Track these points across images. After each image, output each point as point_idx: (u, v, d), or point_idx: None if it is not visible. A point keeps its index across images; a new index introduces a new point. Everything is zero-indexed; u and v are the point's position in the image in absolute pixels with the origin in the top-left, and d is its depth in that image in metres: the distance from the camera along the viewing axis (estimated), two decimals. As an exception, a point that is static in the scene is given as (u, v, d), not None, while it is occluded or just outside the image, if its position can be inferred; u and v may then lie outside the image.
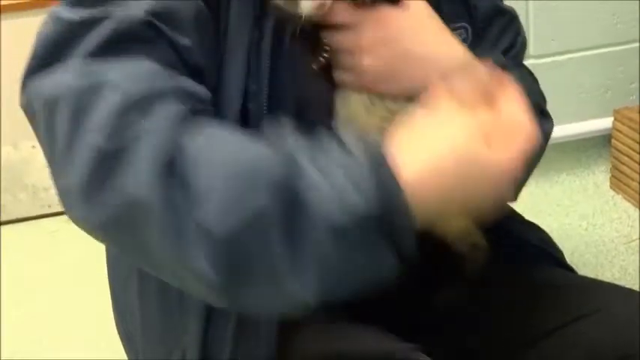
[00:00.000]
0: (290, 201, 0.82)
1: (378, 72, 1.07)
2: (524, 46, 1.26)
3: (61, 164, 0.93)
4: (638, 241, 2.54)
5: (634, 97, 2.93)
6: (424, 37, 1.09)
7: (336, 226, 0.81)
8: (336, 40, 1.07)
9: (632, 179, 2.72)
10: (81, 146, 0.89)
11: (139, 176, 0.86)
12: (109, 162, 0.88)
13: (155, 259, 0.91)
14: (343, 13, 1.04)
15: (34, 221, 3.08)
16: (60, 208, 3.01)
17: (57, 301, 2.53)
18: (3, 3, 2.89)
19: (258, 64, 1.04)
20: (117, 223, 0.89)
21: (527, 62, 2.81)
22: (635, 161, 2.69)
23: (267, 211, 0.82)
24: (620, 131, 2.77)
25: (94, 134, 0.89)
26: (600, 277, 1.97)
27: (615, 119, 2.80)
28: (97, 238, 0.97)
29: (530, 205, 2.81)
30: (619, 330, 1.11)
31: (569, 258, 2.43)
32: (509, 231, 1.31)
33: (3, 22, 2.89)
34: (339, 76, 1.09)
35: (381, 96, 1.08)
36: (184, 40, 0.97)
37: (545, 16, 2.77)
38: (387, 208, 0.81)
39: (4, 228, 3.03)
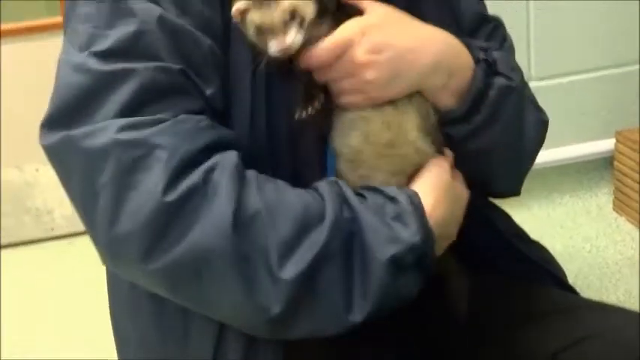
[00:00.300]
0: (350, 238, 0.98)
1: (383, 79, 1.09)
2: (512, 50, 1.28)
3: (106, 216, 0.97)
4: (642, 263, 2.54)
5: (636, 118, 2.93)
6: (406, 29, 1.13)
7: (390, 256, 0.98)
8: (331, 72, 1.09)
9: (635, 201, 2.72)
10: (136, 201, 0.95)
11: (207, 228, 0.94)
12: (173, 214, 0.95)
13: (215, 304, 1.00)
14: (323, 52, 1.07)
15: (37, 244, 3.08)
16: (63, 232, 3.04)
17: (60, 323, 2.53)
18: (3, 28, 2.91)
19: (255, 88, 1.08)
20: (182, 271, 0.96)
21: (529, 84, 2.83)
22: (637, 183, 2.69)
23: (330, 249, 0.96)
24: (622, 153, 2.78)
25: (153, 191, 0.94)
26: (605, 300, 1.96)
27: (617, 141, 2.80)
28: (155, 288, 1.03)
29: (533, 227, 2.79)
30: (622, 353, 1.10)
31: (573, 280, 2.43)
32: (510, 247, 1.32)
33: (3, 47, 2.91)
34: (345, 101, 1.11)
35: (395, 104, 1.11)
36: (209, 90, 1.03)
37: (547, 39, 2.79)
38: (426, 240, 1.01)
39: (7, 251, 3.04)
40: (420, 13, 1.17)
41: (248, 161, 1.02)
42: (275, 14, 1.01)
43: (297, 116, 1.08)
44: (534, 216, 2.87)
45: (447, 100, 1.14)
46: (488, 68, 1.17)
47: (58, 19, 2.91)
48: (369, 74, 1.08)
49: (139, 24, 1.00)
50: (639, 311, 1.20)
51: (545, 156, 2.89)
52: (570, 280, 2.44)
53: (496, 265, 1.30)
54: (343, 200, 1.01)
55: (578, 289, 1.37)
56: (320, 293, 0.97)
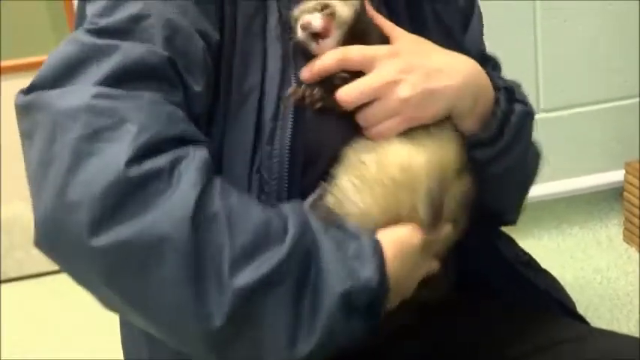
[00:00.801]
0: (307, 263, 0.94)
1: (418, 97, 1.08)
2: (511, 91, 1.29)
3: (58, 181, 0.91)
4: (653, 294, 2.53)
5: (645, 149, 2.95)
6: (434, 53, 1.14)
7: (344, 290, 0.94)
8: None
9: (645, 232, 2.72)
10: (95, 168, 0.90)
11: (166, 213, 0.89)
12: (131, 191, 0.89)
13: (154, 301, 0.92)
14: (365, 90, 1.08)
15: (47, 277, 3.09)
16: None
17: (71, 354, 2.52)
18: (3, 65, 2.96)
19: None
20: (127, 255, 0.89)
21: (538, 116, 2.84)
22: (647, 214, 2.69)
23: (285, 269, 0.92)
24: (631, 184, 2.78)
25: (115, 162, 0.90)
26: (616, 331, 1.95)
27: (626, 172, 2.81)
28: (90, 275, 0.94)
29: (543, 257, 2.78)
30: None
31: (584, 312, 2.42)
32: (517, 275, 1.32)
33: (3, 83, 2.95)
34: (382, 129, 1.10)
35: (427, 129, 1.11)
36: (193, 88, 1.02)
37: (555, 71, 2.80)
38: (381, 284, 0.97)
39: (20, 284, 3.05)
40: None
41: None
42: (310, 4, 1.08)
43: (288, 91, 1.08)
44: (544, 247, 2.87)
45: (473, 125, 1.14)
46: (508, 95, 1.18)
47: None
48: (403, 91, 1.08)
49: (140, 9, 1.01)
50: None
51: (555, 187, 2.90)
52: (581, 312, 2.43)
53: (503, 293, 1.30)
54: (307, 228, 0.97)
55: (589, 321, 1.37)
56: (266, 314, 0.91)
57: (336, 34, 1.08)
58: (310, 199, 1.08)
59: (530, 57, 2.77)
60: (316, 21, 1.06)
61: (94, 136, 0.91)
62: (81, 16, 1.08)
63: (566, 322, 1.28)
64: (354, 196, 1.07)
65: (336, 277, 0.94)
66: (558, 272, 2.66)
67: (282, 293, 0.92)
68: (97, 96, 0.94)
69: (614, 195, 2.95)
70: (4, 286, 3.05)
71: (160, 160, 0.92)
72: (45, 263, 3.23)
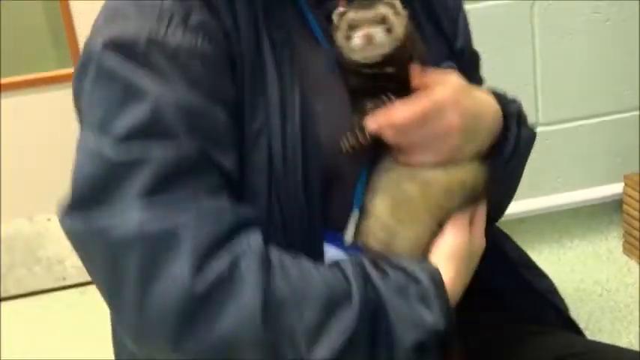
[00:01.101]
0: (376, 319, 0.97)
1: (462, 141, 1.10)
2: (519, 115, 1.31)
3: (131, 309, 0.96)
4: (653, 306, 2.54)
5: (644, 162, 2.96)
6: (472, 94, 1.15)
7: (415, 341, 0.97)
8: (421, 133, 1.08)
9: (645, 244, 2.73)
10: (162, 293, 0.93)
11: (236, 318, 0.93)
12: (201, 304, 0.93)
13: None
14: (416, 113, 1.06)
15: (48, 294, 3.09)
16: (75, 281, 3.05)
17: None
18: (3, 82, 2.97)
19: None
20: (209, 357, 0.95)
21: (537, 130, 2.85)
22: (647, 226, 2.70)
23: (358, 333, 0.95)
24: (630, 196, 2.79)
25: (180, 283, 0.93)
26: (617, 344, 1.95)
27: (626, 184, 2.82)
28: None
29: (545, 271, 2.80)
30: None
31: (585, 324, 2.44)
32: (520, 279, 1.34)
33: (3, 100, 2.97)
34: (417, 159, 1.10)
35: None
36: (228, 164, 1.01)
37: (554, 84, 2.82)
38: (449, 323, 1.00)
39: (20, 301, 3.05)
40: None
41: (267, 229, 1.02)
42: (369, 14, 1.07)
43: (343, 145, 1.08)
44: (545, 260, 2.88)
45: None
46: (518, 120, 1.21)
47: (62, 71, 2.99)
48: (457, 137, 1.09)
49: (152, 104, 0.97)
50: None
51: (555, 200, 2.92)
52: (582, 324, 2.44)
53: (502, 294, 1.31)
54: (367, 281, 0.99)
55: (590, 333, 1.38)
56: None
57: (387, 49, 1.08)
58: (349, 233, 1.11)
59: (529, 71, 2.79)
60: (380, 35, 1.06)
61: (154, 262, 0.94)
62: (77, 92, 1.06)
63: (567, 336, 1.30)
64: (404, 231, 1.09)
65: (405, 328, 0.97)
66: (559, 285, 2.67)
67: (359, 355, 0.96)
68: (142, 216, 0.94)
69: (613, 207, 2.97)
70: (4, 303, 3.05)
71: (221, 265, 0.94)
72: (46, 280, 3.25)
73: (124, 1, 1.04)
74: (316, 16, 1.13)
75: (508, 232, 1.39)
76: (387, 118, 1.05)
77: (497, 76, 2.76)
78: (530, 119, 2.86)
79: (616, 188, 2.90)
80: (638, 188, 2.75)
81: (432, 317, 0.98)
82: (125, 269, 0.95)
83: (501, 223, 1.33)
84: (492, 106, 1.16)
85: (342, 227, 1.11)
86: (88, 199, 0.97)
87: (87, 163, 0.99)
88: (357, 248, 1.10)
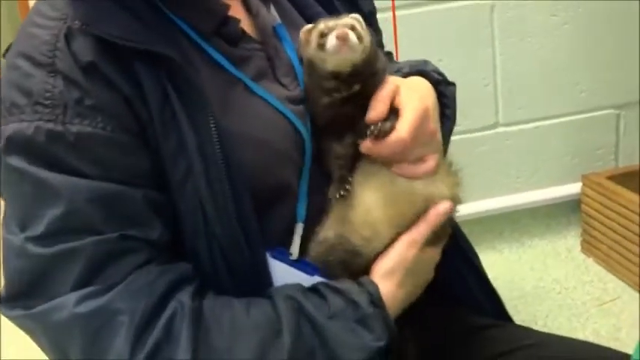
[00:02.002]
0: (312, 353, 1.00)
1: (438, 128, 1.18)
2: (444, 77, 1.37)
3: None
4: (609, 303, 2.58)
5: (601, 162, 3.01)
6: (424, 88, 1.22)
7: None
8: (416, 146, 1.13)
9: (603, 243, 2.78)
10: None
11: None
12: None
13: None
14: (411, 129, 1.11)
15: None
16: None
17: None
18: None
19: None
20: None
21: (496, 130, 2.91)
22: (604, 225, 2.75)
23: None
24: (588, 196, 2.84)
25: (120, 354, 0.95)
26: (574, 340, 1.99)
27: (584, 184, 2.87)
28: None
29: (504, 269, 2.85)
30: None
31: (544, 321, 2.48)
32: (483, 282, 1.39)
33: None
34: (424, 169, 1.15)
35: None
36: (154, 236, 1.02)
37: (513, 86, 2.86)
38: (390, 337, 1.03)
39: None
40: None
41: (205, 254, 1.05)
42: (340, 21, 1.13)
43: (331, 195, 1.13)
44: (505, 259, 2.92)
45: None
46: (446, 84, 1.28)
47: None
48: (439, 136, 1.18)
49: (67, 204, 0.97)
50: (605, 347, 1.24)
51: (515, 200, 2.95)
52: (540, 321, 2.49)
53: (452, 286, 1.35)
54: (301, 315, 1.02)
55: (547, 330, 1.42)
56: None
57: (358, 55, 1.13)
58: (295, 247, 1.13)
59: (489, 73, 2.83)
60: (353, 37, 1.11)
61: (95, 339, 0.96)
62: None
63: (519, 329, 1.35)
64: (385, 233, 1.13)
65: (347, 352, 1.01)
66: (519, 283, 2.73)
67: None
68: (78, 302, 0.96)
69: (572, 207, 3.01)
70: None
71: (157, 332, 0.96)
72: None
73: (14, 91, 1.01)
74: (215, 44, 1.12)
75: (468, 232, 1.41)
76: (395, 140, 1.10)
77: (457, 77, 2.78)
78: (491, 120, 2.91)
79: (574, 188, 2.95)
80: (595, 188, 2.80)
81: (372, 337, 1.02)
82: (69, 350, 0.97)
83: (461, 223, 1.35)
84: (428, 86, 1.22)
85: (288, 240, 1.13)
86: (23, 291, 0.99)
87: (14, 258, 1.00)
88: (306, 263, 1.13)
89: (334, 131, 1.14)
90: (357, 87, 1.12)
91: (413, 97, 1.14)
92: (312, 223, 1.15)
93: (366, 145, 1.11)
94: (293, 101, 1.16)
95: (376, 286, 1.07)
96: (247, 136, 1.08)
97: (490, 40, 2.80)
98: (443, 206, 1.14)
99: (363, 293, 1.06)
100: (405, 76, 1.24)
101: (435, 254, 1.19)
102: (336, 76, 1.13)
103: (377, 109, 1.11)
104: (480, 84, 2.82)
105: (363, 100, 1.12)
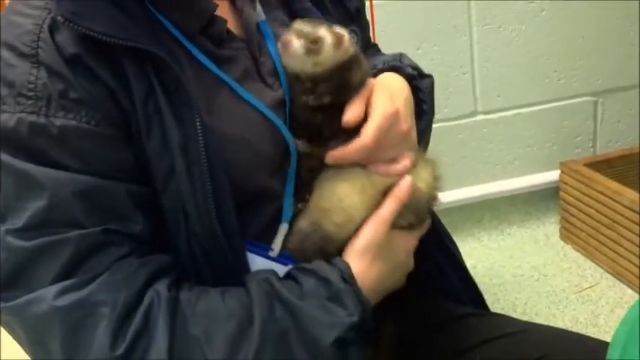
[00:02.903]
0: (284, 337, 0.99)
1: (410, 127, 1.17)
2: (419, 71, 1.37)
3: None
4: (588, 290, 2.60)
5: (579, 150, 3.03)
6: (399, 88, 1.21)
7: (333, 340, 0.99)
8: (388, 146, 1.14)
9: (581, 230, 2.79)
10: (89, 358, 0.95)
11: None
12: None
13: None
14: (379, 129, 1.11)
15: None
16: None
17: None
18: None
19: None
20: None
21: (474, 118, 2.92)
22: (583, 212, 2.77)
23: (264, 354, 0.98)
24: (567, 183, 2.85)
25: (103, 349, 0.94)
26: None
27: (562, 172, 2.88)
28: None
29: (483, 257, 2.86)
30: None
31: (523, 308, 2.49)
32: (464, 274, 1.40)
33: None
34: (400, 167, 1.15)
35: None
36: (136, 229, 1.02)
37: (491, 74, 2.87)
38: (363, 313, 1.03)
39: None
40: (327, 13, 1.28)
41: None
42: (304, 28, 1.13)
43: (300, 207, 1.14)
44: (485, 246, 2.93)
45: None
46: (419, 77, 1.28)
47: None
48: (409, 137, 1.16)
49: (50, 196, 0.96)
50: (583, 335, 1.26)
51: (494, 187, 2.97)
52: (519, 309, 2.50)
53: (431, 274, 1.36)
54: (274, 298, 1.02)
55: (527, 317, 1.43)
56: None
57: (299, 65, 1.13)
58: (277, 246, 1.13)
59: (466, 61, 2.83)
60: (296, 47, 1.11)
61: (75, 331, 0.95)
62: None
63: (499, 317, 1.36)
64: (359, 218, 1.13)
65: (321, 329, 1.00)
66: (498, 271, 2.74)
67: None
68: (58, 295, 0.95)
69: (550, 194, 3.03)
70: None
71: (136, 322, 0.96)
72: None
73: None
74: (200, 43, 1.11)
75: (447, 220, 1.41)
76: (358, 147, 1.10)
77: (435, 65, 2.81)
78: (469, 108, 2.92)
79: (553, 175, 2.97)
80: (574, 175, 2.81)
81: (345, 313, 1.01)
82: (49, 342, 0.96)
83: (440, 212, 1.35)
84: (403, 84, 1.21)
85: (270, 238, 1.13)
86: (3, 285, 0.98)
87: None
88: (285, 257, 1.13)
89: (308, 135, 1.14)
90: (326, 99, 1.12)
91: (383, 98, 1.13)
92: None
93: (331, 156, 1.11)
94: (277, 102, 1.15)
95: (346, 263, 1.07)
96: (231, 137, 1.07)
97: (467, 28, 2.79)
98: (404, 181, 1.14)
99: (334, 270, 1.05)
100: (379, 72, 1.23)
101: (410, 239, 1.18)
102: (295, 77, 1.13)
103: (353, 110, 1.11)
104: (458, 72, 2.82)
105: (336, 111, 1.11)
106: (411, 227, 1.17)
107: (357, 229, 1.12)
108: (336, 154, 1.10)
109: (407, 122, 1.15)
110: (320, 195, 1.14)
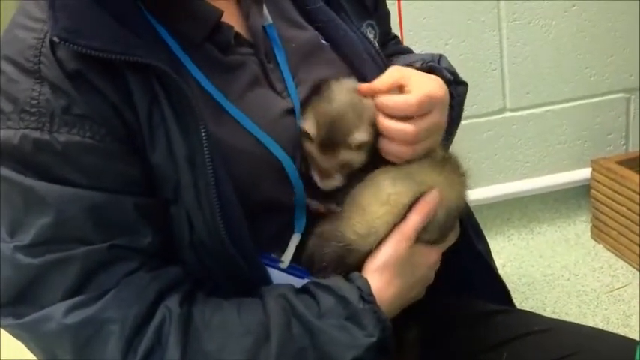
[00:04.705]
0: (301, 355, 0.99)
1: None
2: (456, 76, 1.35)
3: None
4: (619, 290, 2.56)
5: (611, 147, 2.98)
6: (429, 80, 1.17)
7: (355, 359, 0.99)
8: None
9: (612, 228, 2.75)
10: None
11: None
12: None
13: None
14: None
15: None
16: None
17: None
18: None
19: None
20: None
21: (503, 115, 2.89)
22: (614, 211, 2.72)
23: None
24: (598, 181, 2.81)
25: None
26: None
27: (593, 170, 2.84)
28: None
29: (513, 256, 2.83)
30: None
31: (552, 308, 2.46)
32: (489, 270, 1.39)
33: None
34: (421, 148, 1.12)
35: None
36: (144, 242, 1.01)
37: (520, 70, 2.83)
38: (383, 332, 1.02)
39: None
40: (342, 10, 1.28)
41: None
42: (324, 162, 1.12)
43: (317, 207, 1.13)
44: (514, 245, 2.90)
45: None
46: (455, 83, 1.26)
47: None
48: (436, 116, 1.13)
49: (56, 213, 0.96)
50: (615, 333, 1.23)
51: (524, 185, 2.93)
52: (549, 308, 2.47)
53: (472, 286, 1.35)
54: (292, 314, 1.01)
55: (556, 317, 1.40)
56: None
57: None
58: (288, 256, 1.12)
59: (495, 57, 2.80)
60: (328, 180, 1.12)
61: (86, 348, 0.96)
62: None
63: (527, 314, 1.34)
64: (381, 231, 1.11)
65: (340, 350, 0.99)
66: (527, 270, 2.71)
67: None
68: (67, 312, 0.95)
69: (581, 192, 2.98)
70: None
71: (148, 339, 0.96)
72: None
73: (0, 96, 0.99)
74: (206, 51, 1.10)
75: (477, 218, 1.39)
76: (403, 100, 1.09)
77: (463, 61, 2.78)
78: (498, 105, 2.89)
79: (584, 173, 2.92)
80: (605, 173, 2.76)
81: (364, 333, 1.00)
82: (62, 357, 0.97)
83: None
84: (440, 83, 1.18)
85: (278, 249, 1.12)
86: (12, 300, 0.98)
87: (3, 267, 0.99)
88: (295, 268, 1.12)
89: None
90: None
91: (428, 79, 1.13)
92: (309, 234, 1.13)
93: (364, 88, 1.11)
94: (286, 111, 1.13)
95: (365, 281, 1.05)
96: (233, 149, 1.06)
97: (497, 23, 2.76)
98: (431, 195, 1.11)
99: (353, 288, 1.04)
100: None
101: (433, 254, 1.16)
102: None
103: (383, 79, 1.11)
104: (487, 68, 2.79)
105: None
106: (434, 242, 1.15)
107: (379, 243, 1.10)
108: (380, 100, 1.10)
109: (444, 116, 1.14)
110: (345, 203, 1.13)
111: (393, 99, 1.09)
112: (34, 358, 1.01)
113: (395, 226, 1.11)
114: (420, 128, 1.09)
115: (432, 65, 1.25)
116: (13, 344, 1.05)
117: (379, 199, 1.11)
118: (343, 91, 1.12)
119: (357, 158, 1.11)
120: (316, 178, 1.11)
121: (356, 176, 1.13)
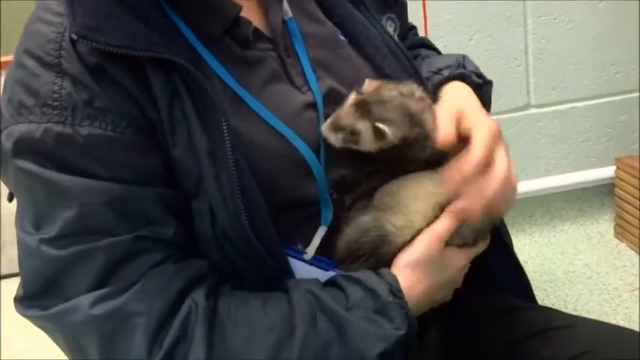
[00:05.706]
0: (325, 350, 0.98)
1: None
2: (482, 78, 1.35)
3: None
4: (642, 289, 2.55)
5: (636, 145, 2.96)
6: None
7: (379, 353, 0.98)
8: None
9: (636, 227, 2.72)
10: None
11: None
12: None
13: None
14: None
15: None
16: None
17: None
18: (3, 59, 2.93)
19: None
20: None
21: (528, 112, 2.87)
22: (638, 209, 2.70)
23: None
24: (622, 180, 2.79)
25: (138, 355, 0.95)
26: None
27: (618, 168, 2.82)
28: None
29: (534, 253, 2.82)
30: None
31: (574, 306, 2.45)
32: (517, 267, 1.38)
33: (4, 78, 2.90)
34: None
35: None
36: (168, 234, 1.01)
37: (546, 67, 2.81)
38: (410, 328, 1.01)
39: (11, 280, 3.04)
40: (361, 3, 1.27)
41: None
42: (342, 119, 1.09)
43: (347, 202, 1.13)
44: (536, 242, 2.89)
45: None
46: (484, 85, 1.27)
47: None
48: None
49: (79, 206, 0.97)
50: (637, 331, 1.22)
51: (547, 183, 2.92)
52: (570, 305, 2.46)
53: (498, 281, 1.34)
54: (318, 309, 1.00)
55: (577, 314, 1.39)
56: None
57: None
58: (312, 248, 1.12)
59: (520, 53, 2.78)
60: (332, 137, 1.10)
61: (112, 340, 0.96)
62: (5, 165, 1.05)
63: (547, 310, 1.33)
64: (418, 223, 1.11)
65: (367, 342, 0.98)
66: (549, 267, 2.70)
67: None
68: (93, 304, 0.96)
69: (605, 191, 2.97)
70: (4, 282, 3.04)
71: (173, 332, 0.96)
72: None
73: (22, 90, 1.00)
74: (225, 46, 1.10)
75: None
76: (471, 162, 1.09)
77: (487, 57, 2.77)
78: (522, 101, 2.88)
79: (608, 171, 2.90)
80: (630, 171, 2.74)
81: (392, 327, 1.00)
82: (87, 349, 0.98)
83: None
84: (474, 97, 1.20)
85: (302, 241, 1.12)
86: (39, 292, 0.99)
87: (30, 259, 1.00)
88: (320, 260, 1.11)
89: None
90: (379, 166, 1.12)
91: (483, 116, 1.13)
92: (336, 227, 1.13)
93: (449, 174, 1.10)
94: (306, 105, 1.13)
95: (394, 277, 1.05)
96: (254, 143, 1.06)
97: (522, 19, 2.75)
98: (462, 201, 1.11)
99: (382, 282, 1.04)
100: (446, 80, 1.22)
101: (463, 257, 1.16)
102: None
103: (446, 130, 1.10)
104: (512, 64, 2.78)
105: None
106: (466, 246, 1.15)
107: (412, 237, 1.10)
108: (452, 171, 1.09)
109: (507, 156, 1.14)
110: (385, 194, 1.13)
111: (464, 167, 1.09)
112: (34, 358, 1.02)
113: (430, 222, 1.10)
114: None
115: (463, 73, 1.24)
116: (14, 344, 1.06)
117: (419, 195, 1.11)
118: (416, 98, 1.12)
119: (367, 142, 1.09)
120: (325, 122, 1.10)
121: (374, 175, 1.13)
